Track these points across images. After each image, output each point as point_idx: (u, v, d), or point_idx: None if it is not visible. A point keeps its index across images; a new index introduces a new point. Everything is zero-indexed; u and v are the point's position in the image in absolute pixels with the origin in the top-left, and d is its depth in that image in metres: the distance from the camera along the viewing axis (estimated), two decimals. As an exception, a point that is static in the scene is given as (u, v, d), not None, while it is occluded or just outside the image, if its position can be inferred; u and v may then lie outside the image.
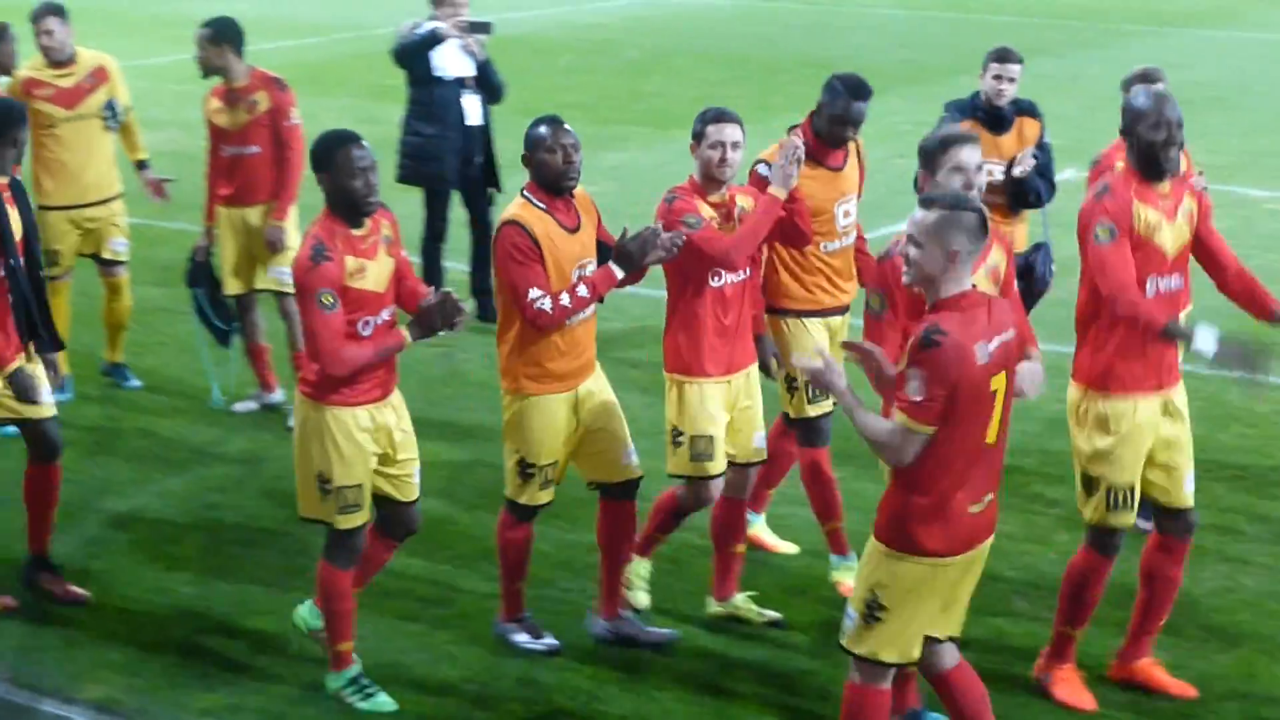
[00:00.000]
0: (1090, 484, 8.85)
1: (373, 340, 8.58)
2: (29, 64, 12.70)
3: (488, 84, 14.48)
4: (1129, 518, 8.81)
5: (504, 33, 28.10)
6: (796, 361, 7.62)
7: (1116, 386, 8.74)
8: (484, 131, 14.62)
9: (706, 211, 9.24)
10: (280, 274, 12.47)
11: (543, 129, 8.95)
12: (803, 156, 9.23)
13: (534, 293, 8.78)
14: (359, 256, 8.57)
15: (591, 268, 8.91)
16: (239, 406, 12.83)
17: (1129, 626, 9.06)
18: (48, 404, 9.73)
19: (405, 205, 15.43)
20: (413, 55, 14.31)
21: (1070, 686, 9.10)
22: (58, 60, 12.70)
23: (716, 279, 9.20)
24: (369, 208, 8.59)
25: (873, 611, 7.42)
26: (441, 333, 8.61)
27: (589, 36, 33.58)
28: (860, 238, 10.21)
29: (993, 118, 11.42)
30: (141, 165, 13.13)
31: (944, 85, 26.45)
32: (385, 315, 8.68)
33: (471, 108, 14.42)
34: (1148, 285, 8.73)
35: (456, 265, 15.30)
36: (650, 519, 9.64)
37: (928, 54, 31.40)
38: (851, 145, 10.14)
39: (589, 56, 31.12)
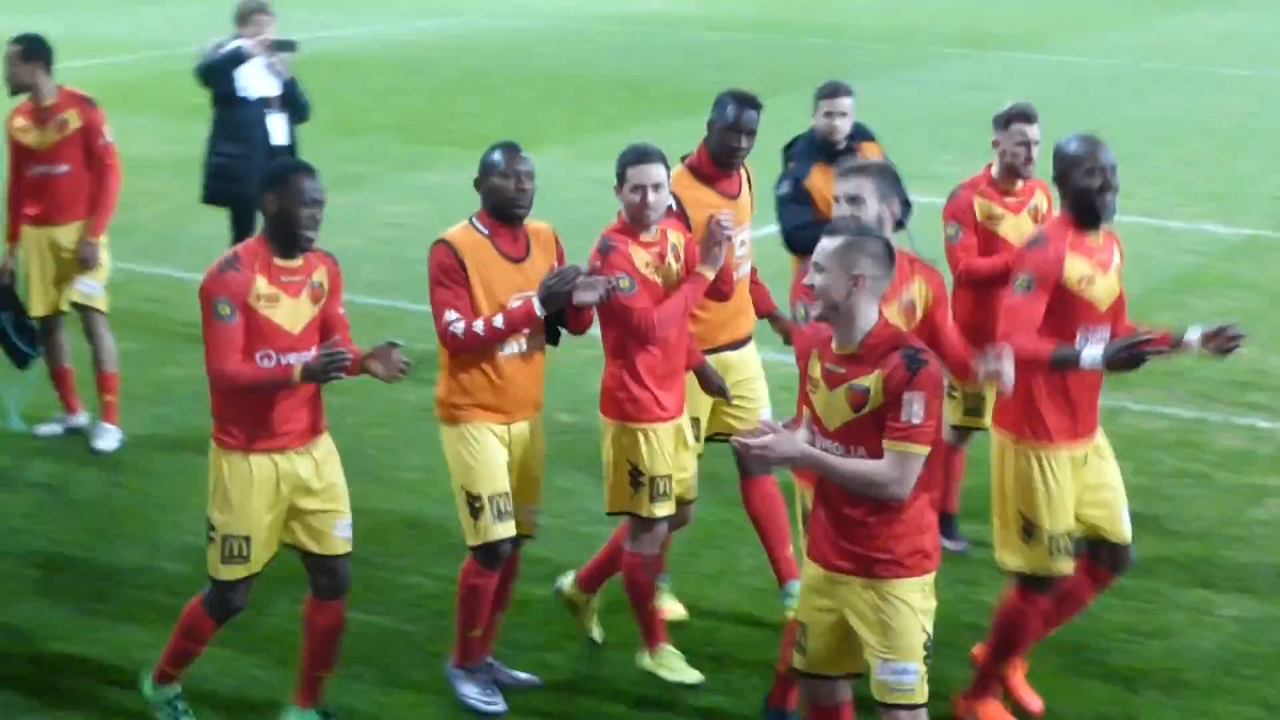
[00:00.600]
0: (1029, 531, 8.91)
1: (264, 370, 8.35)
2: None
3: (293, 103, 14.46)
4: (1069, 564, 8.95)
5: (316, 51, 28.06)
6: (739, 443, 7.65)
7: (1043, 436, 8.84)
8: (290, 151, 14.54)
9: (640, 258, 9.21)
10: (88, 287, 12.36)
11: (497, 155, 8.91)
12: (730, 237, 9.30)
13: (449, 315, 8.74)
14: (275, 285, 8.38)
15: None
16: (41, 430, 12.67)
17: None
18: None
19: (215, 225, 15.42)
20: (217, 74, 14.30)
21: (998, 712, 9.25)
22: None
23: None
24: (305, 241, 8.43)
25: (929, 653, 7.58)
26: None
27: (402, 56, 33.67)
28: (753, 268, 10.26)
29: (832, 154, 11.34)
30: None
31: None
32: (292, 359, 8.42)
33: (276, 127, 14.38)
34: (1079, 337, 8.84)
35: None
36: (639, 608, 9.69)
37: (740, 76, 31.81)
38: (744, 174, 10.21)
39: (402, 76, 31.19)
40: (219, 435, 8.48)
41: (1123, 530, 9.03)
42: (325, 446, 8.67)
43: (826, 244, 7.47)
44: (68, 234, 12.36)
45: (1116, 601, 10.41)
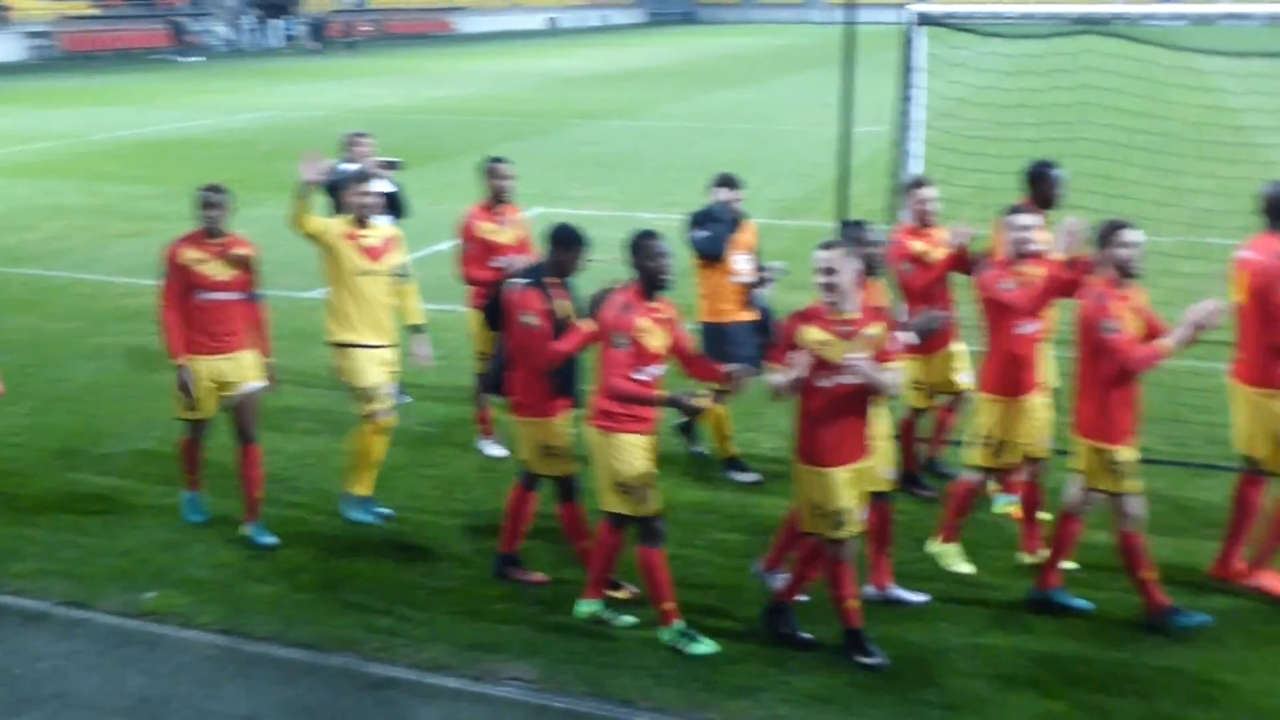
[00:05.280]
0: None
1: (642, 384, 7.98)
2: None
3: (397, 205, 12.85)
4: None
5: (175, 136, 28.05)
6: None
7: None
8: None
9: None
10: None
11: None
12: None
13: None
14: (650, 320, 8.05)
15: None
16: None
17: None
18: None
19: (127, 245, 15.01)
20: (343, 188, 13.13)
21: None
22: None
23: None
24: (663, 284, 8.12)
25: None
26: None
27: (234, 137, 33.54)
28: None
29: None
30: None
31: (457, 161, 27.60)
32: (656, 370, 8.13)
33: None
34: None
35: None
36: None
37: (442, 141, 33.87)
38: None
39: (236, 148, 31.16)
40: (601, 424, 8.08)
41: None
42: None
43: (831, 254, 7.58)
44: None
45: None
